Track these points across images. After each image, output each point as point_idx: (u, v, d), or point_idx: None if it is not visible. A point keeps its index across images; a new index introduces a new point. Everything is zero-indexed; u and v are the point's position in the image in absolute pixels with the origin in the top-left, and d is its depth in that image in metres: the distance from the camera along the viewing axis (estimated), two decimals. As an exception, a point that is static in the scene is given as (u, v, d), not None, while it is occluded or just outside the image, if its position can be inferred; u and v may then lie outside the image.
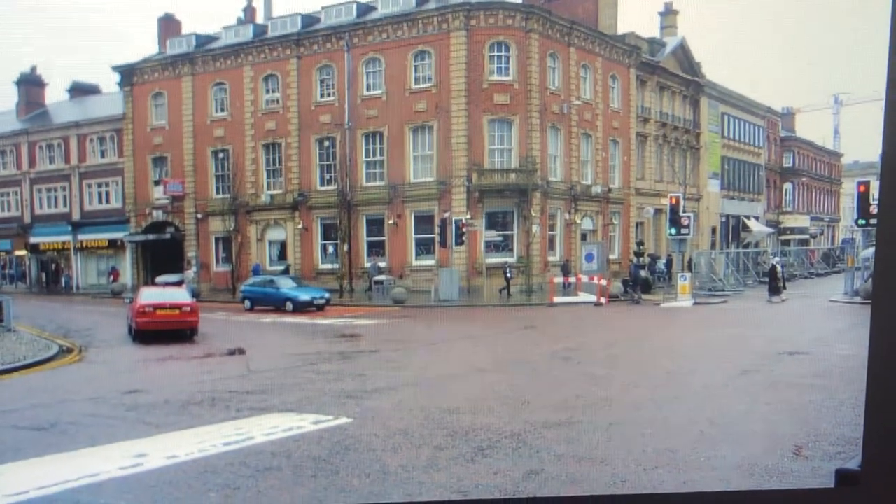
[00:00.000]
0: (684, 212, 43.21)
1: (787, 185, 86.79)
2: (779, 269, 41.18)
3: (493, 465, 10.82)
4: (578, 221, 51.17)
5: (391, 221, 48.26)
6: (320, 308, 39.65)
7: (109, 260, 61.22)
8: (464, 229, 43.03)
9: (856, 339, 23.36)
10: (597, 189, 52.78)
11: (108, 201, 61.24)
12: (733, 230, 73.56)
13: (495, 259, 46.12)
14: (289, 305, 39.43)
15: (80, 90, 71.42)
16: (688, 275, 42.36)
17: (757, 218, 77.83)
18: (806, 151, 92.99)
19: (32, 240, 65.35)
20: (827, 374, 18.60)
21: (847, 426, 12.73)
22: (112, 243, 60.34)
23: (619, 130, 55.37)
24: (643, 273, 44.75)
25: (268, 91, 52.90)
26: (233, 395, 16.57)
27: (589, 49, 52.40)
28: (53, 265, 65.23)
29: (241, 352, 24.02)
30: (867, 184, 37.41)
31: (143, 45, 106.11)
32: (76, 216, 62.64)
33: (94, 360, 23.77)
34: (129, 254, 59.65)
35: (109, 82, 79.19)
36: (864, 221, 37.44)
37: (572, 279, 43.91)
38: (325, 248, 51.52)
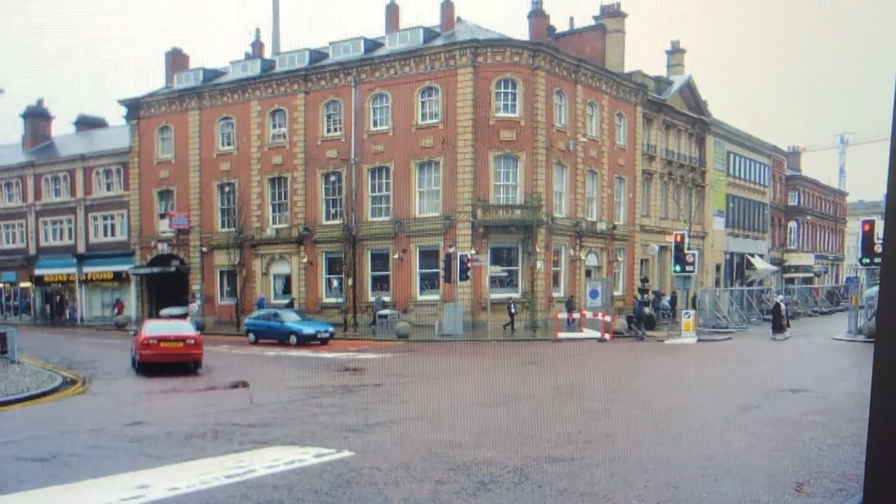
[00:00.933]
0: (689, 249, 43.20)
1: (792, 224, 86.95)
2: (783, 306, 41.19)
3: (495, 499, 10.79)
4: (583, 258, 51.26)
5: (396, 256, 48.35)
6: (324, 342, 39.68)
7: (114, 292, 61.41)
8: (469, 264, 43.06)
9: (858, 377, 23.33)
10: (602, 226, 52.91)
11: (113, 234, 61.53)
12: (738, 268, 73.67)
13: (500, 294, 46.15)
14: (293, 339, 39.47)
15: (87, 123, 72.14)
16: (692, 312, 42.39)
17: (761, 256, 77.97)
18: (811, 190, 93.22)
19: (37, 272, 65.63)
20: (829, 411, 18.57)
21: (848, 463, 12.70)
22: (117, 276, 60.57)
23: (624, 168, 55.57)
24: (647, 310, 44.80)
25: (274, 126, 53.21)
26: (235, 428, 16.55)
27: (595, 87, 52.69)
28: (58, 297, 65.45)
29: (245, 384, 23.98)
30: (872, 223, 37.47)
31: (150, 78, 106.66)
32: (81, 249, 62.93)
33: (98, 392, 23.75)
34: (134, 286, 59.87)
35: (116, 116, 79.50)
36: (868, 260, 37.45)
37: (576, 315, 43.92)
38: (329, 281, 51.62)
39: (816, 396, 21.01)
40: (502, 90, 47.11)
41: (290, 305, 48.82)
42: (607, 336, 40.20)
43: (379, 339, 43.13)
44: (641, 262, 58.21)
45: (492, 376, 28.27)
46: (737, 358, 33.56)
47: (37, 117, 71.88)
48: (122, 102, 59.82)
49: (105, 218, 62.09)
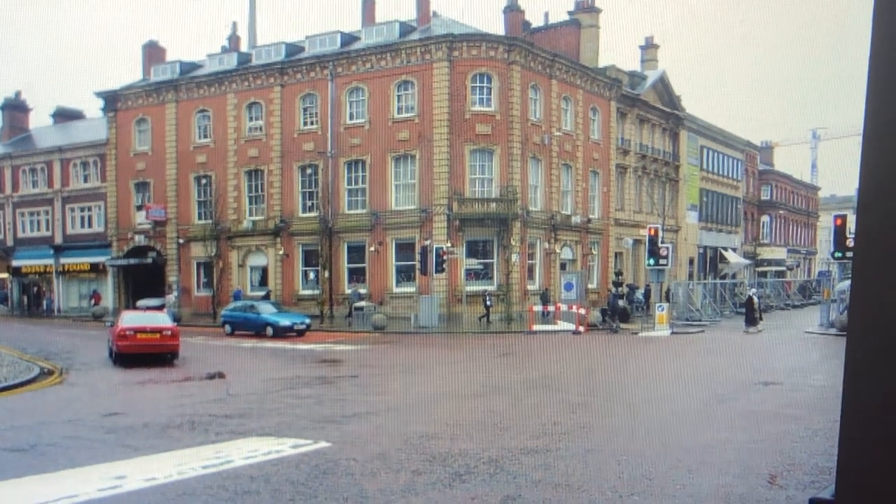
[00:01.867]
0: (663, 242, 43.49)
1: (765, 218, 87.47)
2: (755, 300, 41.47)
3: (471, 490, 10.91)
4: (558, 251, 51.47)
5: (372, 248, 48.41)
6: (300, 333, 39.77)
7: (91, 284, 61.19)
8: (444, 257, 43.22)
9: (830, 370, 23.60)
10: (576, 219, 53.13)
11: (90, 226, 61.29)
12: (711, 261, 74.06)
13: (475, 287, 46.33)
14: (269, 330, 39.55)
15: (64, 115, 71.72)
16: (665, 305, 42.65)
17: (734, 249, 78.40)
18: (784, 185, 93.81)
19: (15, 263, 65.31)
20: (802, 403, 18.78)
21: (821, 455, 12.86)
22: (94, 267, 60.37)
23: (598, 162, 55.80)
24: (621, 302, 45.03)
25: (251, 118, 53.14)
26: (212, 419, 16.64)
27: (570, 81, 52.87)
28: (35, 288, 65.15)
29: (221, 376, 24.04)
30: (844, 217, 37.76)
31: (127, 71, 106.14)
32: (59, 240, 62.67)
33: (75, 383, 23.77)
34: (111, 278, 59.68)
35: (93, 108, 79.10)
36: (840, 254, 37.77)
37: (551, 308, 44.16)
38: (306, 274, 51.65)
39: (789, 389, 21.28)
40: (478, 84, 47.21)
41: (266, 297, 48.81)
42: (582, 328, 40.41)
43: (355, 330, 43.33)
44: (616, 255, 58.47)
45: (467, 368, 28.43)
46: (710, 350, 33.87)
47: (14, 109, 71.50)
48: (100, 94, 59.58)
49: (82, 209, 61.85)
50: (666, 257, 42.14)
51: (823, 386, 21.35)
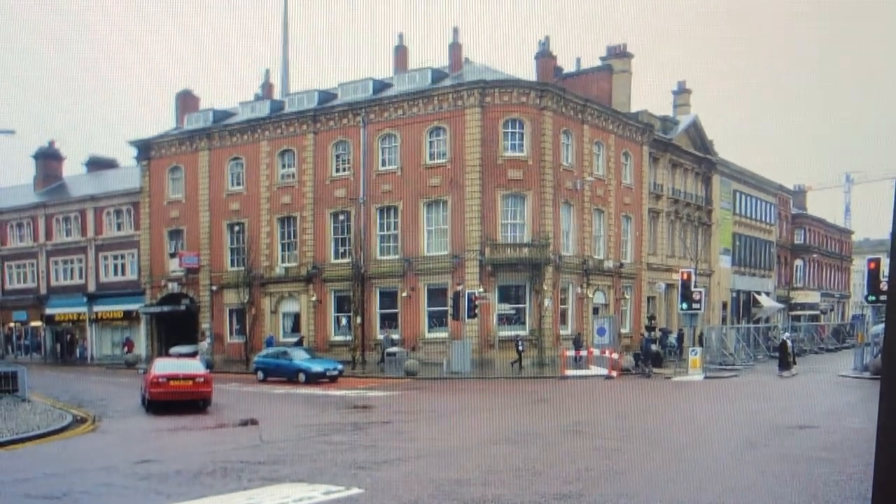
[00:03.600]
0: (695, 287, 43.25)
1: (798, 262, 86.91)
2: (789, 344, 41.16)
3: (503, 535, 10.87)
4: (590, 295, 51.30)
5: (404, 294, 48.44)
6: (333, 379, 39.75)
7: (124, 331, 61.51)
8: (476, 302, 43.18)
9: (865, 413, 23.38)
10: (609, 264, 53.01)
11: (123, 273, 61.71)
12: (744, 305, 73.57)
13: (508, 332, 46.19)
14: (301, 377, 39.56)
15: (98, 164, 72.42)
16: (699, 349, 42.32)
17: (768, 294, 77.85)
18: (817, 228, 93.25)
19: (48, 311, 65.80)
20: (836, 447, 18.61)
21: (856, 499, 12.75)
22: (127, 315, 60.71)
23: (631, 206, 55.71)
24: (654, 347, 44.71)
25: (284, 165, 53.49)
26: (245, 465, 16.65)
27: (602, 126, 52.95)
28: (68, 336, 65.51)
29: (254, 422, 24.07)
30: (877, 261, 37.54)
31: (160, 120, 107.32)
32: (91, 288, 63.11)
33: (108, 430, 23.85)
34: (144, 325, 59.98)
35: (126, 156, 79.84)
36: (873, 298, 37.44)
37: (584, 352, 43.95)
38: (338, 320, 51.71)
39: (823, 433, 21.04)
40: (510, 130, 47.34)
41: (299, 343, 48.83)
42: (614, 373, 40.19)
43: (387, 376, 43.20)
44: (648, 299, 58.24)
45: (500, 414, 28.30)
46: (744, 395, 33.56)
47: (48, 158, 72.27)
48: (133, 143, 60.16)
49: (115, 257, 62.32)
50: (699, 301, 41.89)
51: (858, 429, 21.16)
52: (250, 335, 53.11)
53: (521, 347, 44.16)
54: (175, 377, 27.92)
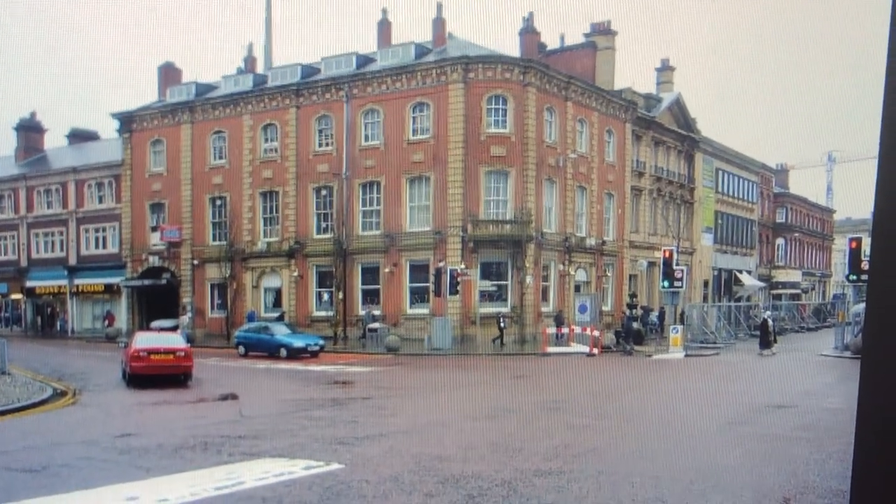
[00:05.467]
0: (677, 265, 43.45)
1: (780, 241, 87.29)
2: (770, 322, 41.35)
3: (483, 512, 10.88)
4: (572, 273, 51.38)
5: (387, 270, 48.42)
6: (314, 355, 39.74)
7: (105, 304, 61.33)
8: (458, 279, 43.11)
9: (845, 393, 23.47)
10: (591, 241, 53.07)
11: (104, 246, 61.46)
12: (725, 284, 73.89)
13: (489, 309, 46.20)
14: (283, 352, 39.52)
15: (79, 136, 71.92)
16: (680, 327, 42.52)
17: (749, 272, 78.19)
18: (799, 207, 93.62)
19: (29, 284, 65.53)
20: (816, 426, 18.71)
21: (835, 478, 12.80)
22: (108, 288, 60.50)
23: (613, 184, 55.75)
24: (636, 325, 44.89)
25: (266, 140, 53.28)
26: (225, 440, 16.61)
27: (585, 103, 52.89)
28: (49, 309, 65.29)
29: (234, 397, 24.02)
30: (859, 240, 37.74)
31: (143, 92, 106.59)
32: (73, 261, 62.85)
33: (88, 404, 23.77)
34: (125, 299, 59.80)
35: (108, 129, 79.36)
36: (855, 277, 37.72)
37: (565, 330, 44.04)
38: (319, 295, 51.66)
39: (803, 412, 21.15)
40: (493, 106, 47.25)
41: (280, 319, 48.84)
42: (595, 351, 40.32)
43: (368, 352, 43.18)
44: (630, 277, 58.36)
45: (480, 390, 28.34)
46: (724, 373, 33.73)
47: (29, 130, 71.76)
48: (115, 116, 59.84)
49: (97, 230, 62.04)
50: (680, 280, 42.07)
51: (837, 409, 21.28)
52: (232, 310, 53.02)
53: (502, 324, 44.19)
54: (156, 351, 27.83)
